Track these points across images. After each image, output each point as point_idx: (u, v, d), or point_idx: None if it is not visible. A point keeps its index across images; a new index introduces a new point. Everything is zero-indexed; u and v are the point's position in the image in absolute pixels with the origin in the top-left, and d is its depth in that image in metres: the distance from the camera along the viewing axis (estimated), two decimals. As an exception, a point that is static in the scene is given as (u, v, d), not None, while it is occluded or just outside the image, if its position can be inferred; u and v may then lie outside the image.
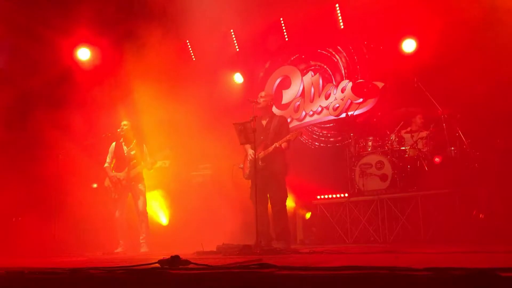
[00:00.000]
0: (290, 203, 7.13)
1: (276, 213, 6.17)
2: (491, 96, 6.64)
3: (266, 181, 6.13)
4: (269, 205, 6.29)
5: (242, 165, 6.56)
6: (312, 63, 9.62)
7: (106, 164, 7.77)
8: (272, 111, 6.74)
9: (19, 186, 8.10)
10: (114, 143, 7.85)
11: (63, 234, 7.89)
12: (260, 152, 6.12)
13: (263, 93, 6.62)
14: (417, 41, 8.08)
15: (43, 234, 7.91)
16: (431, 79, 7.37)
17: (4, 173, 8.24)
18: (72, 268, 3.20)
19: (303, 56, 9.76)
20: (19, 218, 8.50)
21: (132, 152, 7.69)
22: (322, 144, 9.27)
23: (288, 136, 6.08)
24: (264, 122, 6.41)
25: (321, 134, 9.32)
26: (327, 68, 9.39)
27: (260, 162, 6.07)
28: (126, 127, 7.73)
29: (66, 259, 5.91)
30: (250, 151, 6.21)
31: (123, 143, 7.79)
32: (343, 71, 9.20)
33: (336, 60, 9.32)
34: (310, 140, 9.34)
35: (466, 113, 6.98)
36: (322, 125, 9.32)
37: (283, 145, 6.07)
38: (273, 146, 6.09)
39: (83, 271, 3.10)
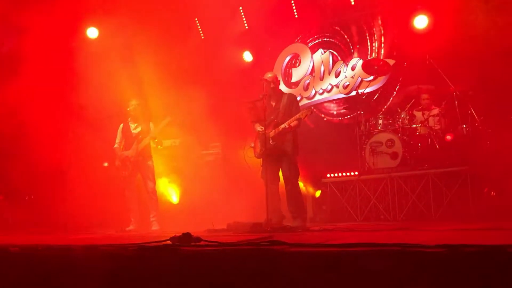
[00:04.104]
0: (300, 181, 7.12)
1: (288, 192, 6.17)
2: (504, 73, 6.53)
3: (277, 159, 6.13)
4: (282, 183, 6.29)
5: (253, 144, 6.56)
6: (322, 40, 9.50)
7: (115, 145, 7.84)
8: (281, 90, 6.67)
9: (31, 164, 8.18)
10: (122, 125, 7.90)
11: (75, 212, 8.00)
12: (270, 131, 6.10)
13: (269, 73, 6.56)
14: (430, 18, 7.94)
15: (56, 212, 8.02)
16: (443, 56, 7.25)
17: (16, 152, 8.33)
18: (85, 245, 3.24)
19: (313, 34, 9.62)
20: (32, 196, 8.61)
21: (138, 129, 7.73)
22: (332, 123, 9.21)
23: (298, 114, 6.03)
24: (273, 102, 6.37)
25: (331, 112, 9.26)
26: (337, 46, 9.26)
27: (270, 141, 6.06)
28: (134, 106, 7.76)
29: (79, 236, 6.00)
30: (259, 129, 6.19)
31: (130, 122, 7.82)
32: (353, 49, 9.07)
33: (346, 37, 9.17)
34: (320, 119, 9.28)
35: (478, 90, 6.88)
36: (332, 103, 9.25)
37: (293, 123, 6.04)
38: (283, 125, 6.05)
39: (96, 247, 3.14)
